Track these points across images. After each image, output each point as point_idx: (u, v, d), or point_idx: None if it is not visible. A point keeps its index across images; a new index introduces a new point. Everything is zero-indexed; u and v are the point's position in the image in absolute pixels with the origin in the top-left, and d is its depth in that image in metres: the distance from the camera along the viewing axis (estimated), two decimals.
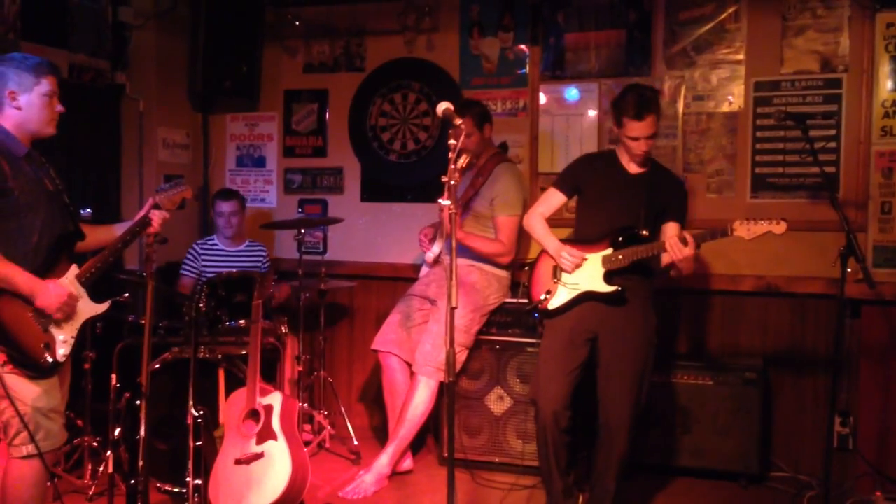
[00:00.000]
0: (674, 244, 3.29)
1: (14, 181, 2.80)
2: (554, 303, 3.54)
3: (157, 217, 3.13)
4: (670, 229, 3.52)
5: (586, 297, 3.48)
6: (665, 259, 3.43)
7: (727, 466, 4.06)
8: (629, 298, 3.45)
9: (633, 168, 3.55)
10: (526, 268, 4.43)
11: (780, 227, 3.27)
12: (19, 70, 2.87)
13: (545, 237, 3.62)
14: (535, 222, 3.68)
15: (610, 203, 3.53)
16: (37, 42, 4.30)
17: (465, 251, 4.14)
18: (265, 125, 5.38)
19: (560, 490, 3.57)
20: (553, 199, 3.69)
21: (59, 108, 2.97)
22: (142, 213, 3.16)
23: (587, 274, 3.48)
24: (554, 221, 3.75)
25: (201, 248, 4.76)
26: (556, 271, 3.55)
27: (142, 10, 4.94)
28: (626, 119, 3.39)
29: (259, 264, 4.79)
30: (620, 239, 3.43)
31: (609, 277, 3.44)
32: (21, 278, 2.80)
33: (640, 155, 3.48)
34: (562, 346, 3.51)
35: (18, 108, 2.87)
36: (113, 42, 4.88)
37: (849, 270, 3.51)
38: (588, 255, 3.48)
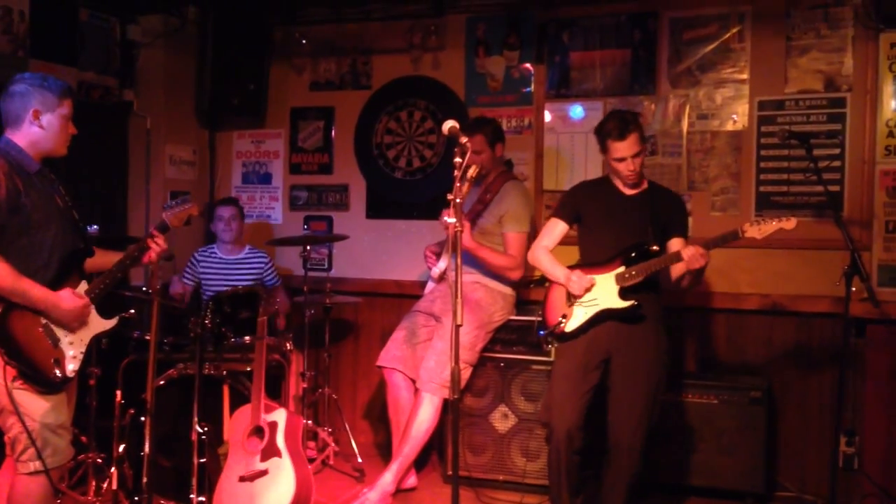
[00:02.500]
0: (692, 255, 3.30)
1: (27, 198, 2.83)
2: (571, 325, 3.52)
3: (154, 249, 3.11)
4: (675, 245, 3.53)
5: (603, 316, 3.47)
6: (678, 270, 3.43)
7: (733, 485, 4.03)
8: (643, 316, 3.45)
9: (629, 190, 3.58)
10: (532, 285, 4.45)
11: (790, 223, 3.28)
12: (43, 90, 2.91)
13: (552, 268, 3.62)
14: (540, 255, 3.70)
15: (614, 225, 3.54)
16: (46, 60, 4.34)
17: (471, 268, 4.16)
18: (271, 142, 5.42)
19: None
20: (556, 230, 3.70)
21: (73, 130, 3.01)
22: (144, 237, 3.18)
23: (602, 293, 3.48)
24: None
25: (200, 256, 4.78)
26: (570, 295, 3.54)
27: (150, 28, 4.98)
28: (610, 141, 3.43)
29: (261, 271, 4.79)
30: (633, 255, 3.44)
31: (624, 294, 3.45)
32: (36, 292, 2.82)
33: (630, 176, 3.49)
34: (575, 368, 3.51)
35: (41, 128, 2.90)
36: (121, 60, 4.93)
37: (853, 289, 3.51)
38: (600, 277, 3.48)
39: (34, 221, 2.84)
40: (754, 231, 3.30)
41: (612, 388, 3.50)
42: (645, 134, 3.58)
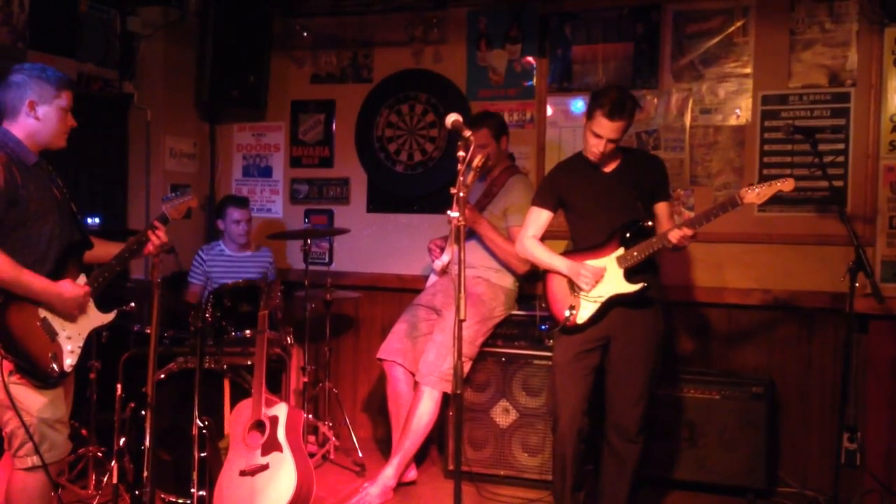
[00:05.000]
0: (679, 238, 3.25)
1: (25, 190, 2.80)
2: (582, 315, 3.44)
3: (153, 242, 3.08)
4: (661, 210, 3.49)
5: (614, 302, 3.41)
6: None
7: (734, 481, 4.03)
8: (652, 297, 3.42)
9: (606, 167, 3.49)
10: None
11: (788, 185, 3.21)
12: (41, 81, 2.88)
13: (551, 259, 3.53)
14: (531, 246, 3.60)
15: (601, 205, 3.46)
16: (45, 51, 4.32)
17: (473, 263, 4.14)
18: (272, 135, 5.39)
19: None
20: (540, 218, 3.61)
21: (72, 122, 2.98)
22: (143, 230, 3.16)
23: (607, 279, 3.41)
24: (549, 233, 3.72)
25: (206, 255, 4.76)
26: (574, 284, 3.48)
27: (150, 20, 4.95)
28: (599, 112, 3.30)
29: (265, 269, 4.78)
30: (628, 235, 3.38)
31: (630, 276, 3.39)
32: (38, 283, 2.80)
33: (594, 154, 3.39)
34: (575, 353, 3.47)
35: (36, 119, 2.87)
36: (121, 52, 4.91)
37: (857, 285, 3.50)
38: (600, 261, 3.42)
39: (32, 214, 2.82)
40: (752, 196, 3.22)
41: (611, 370, 3.48)
42: (636, 130, 3.48)
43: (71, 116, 2.97)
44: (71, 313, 2.90)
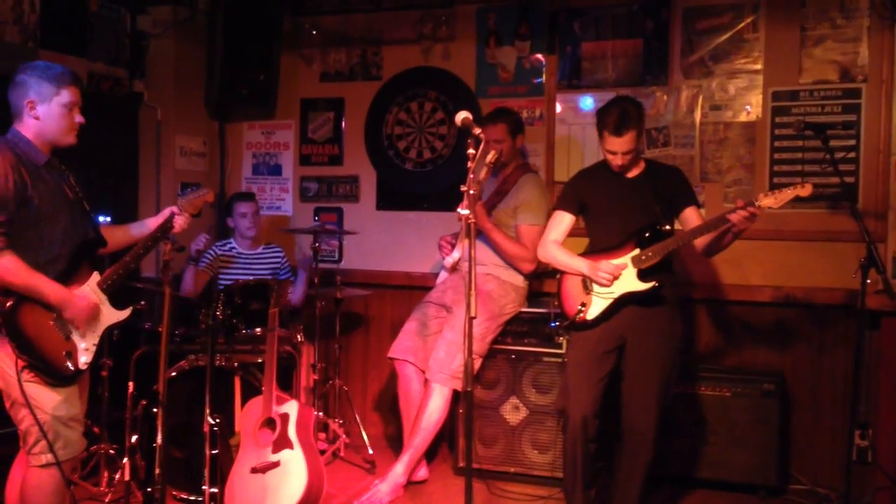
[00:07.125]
0: (737, 217, 3.21)
1: (34, 190, 2.81)
2: (593, 312, 3.47)
3: (178, 222, 3.12)
4: (691, 214, 3.51)
5: (624, 300, 3.42)
6: (703, 240, 3.39)
7: (745, 478, 4.02)
8: (663, 297, 3.42)
9: (629, 173, 3.53)
10: (544, 277, 4.43)
11: (805, 190, 3.19)
12: (40, 80, 2.86)
13: (571, 261, 3.55)
14: (553, 250, 3.63)
15: (621, 208, 3.50)
16: (56, 50, 4.34)
17: (484, 260, 4.14)
18: (281, 133, 5.40)
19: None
20: (563, 223, 3.65)
21: (80, 118, 2.94)
22: (161, 220, 3.17)
23: (621, 277, 3.42)
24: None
25: (220, 250, 4.75)
26: (587, 283, 3.50)
27: (160, 19, 4.97)
28: (606, 133, 3.41)
29: (278, 265, 4.78)
30: (647, 235, 3.40)
31: (643, 276, 3.40)
32: (49, 288, 2.81)
33: (617, 169, 3.47)
34: (590, 355, 3.48)
35: (37, 118, 2.86)
36: (131, 51, 4.93)
37: (868, 282, 3.48)
38: (616, 261, 3.43)
39: (43, 214, 2.83)
40: (770, 201, 3.19)
41: (626, 373, 3.48)
42: (646, 126, 3.53)
43: (78, 113, 2.93)
44: (79, 323, 2.89)
